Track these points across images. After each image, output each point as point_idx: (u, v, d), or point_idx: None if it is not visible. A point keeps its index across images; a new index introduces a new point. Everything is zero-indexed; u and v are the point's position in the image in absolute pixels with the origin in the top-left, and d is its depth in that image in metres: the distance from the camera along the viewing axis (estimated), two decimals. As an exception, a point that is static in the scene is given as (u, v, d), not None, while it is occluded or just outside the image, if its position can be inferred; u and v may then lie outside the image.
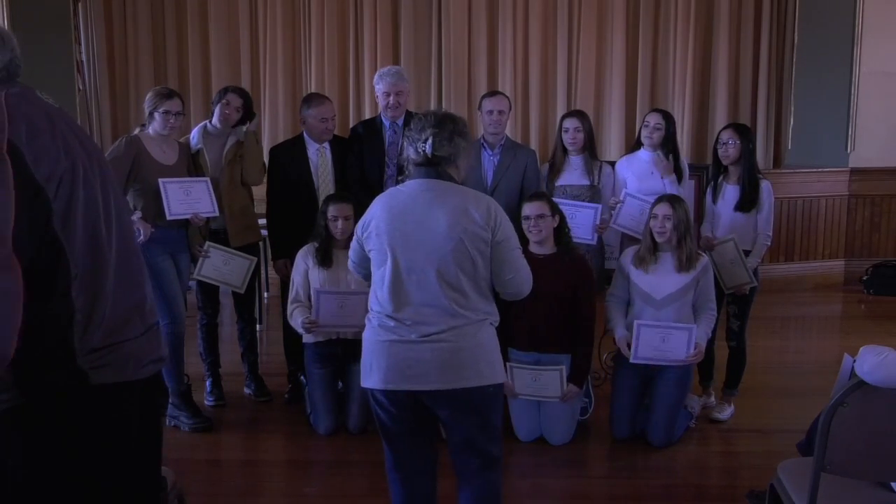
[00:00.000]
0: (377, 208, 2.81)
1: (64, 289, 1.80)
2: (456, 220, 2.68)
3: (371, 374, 2.76)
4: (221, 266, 4.53)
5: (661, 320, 4.08)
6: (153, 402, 2.13)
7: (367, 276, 2.88)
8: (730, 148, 4.43)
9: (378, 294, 2.76)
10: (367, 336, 2.80)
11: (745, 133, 4.52)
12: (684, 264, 4.12)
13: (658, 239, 4.15)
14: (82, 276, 1.85)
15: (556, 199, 4.31)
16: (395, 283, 2.69)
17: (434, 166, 2.76)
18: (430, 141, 2.74)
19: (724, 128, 4.64)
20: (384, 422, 2.81)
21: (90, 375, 1.87)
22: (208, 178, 4.41)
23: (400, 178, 2.93)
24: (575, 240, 4.28)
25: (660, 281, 4.15)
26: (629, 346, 4.10)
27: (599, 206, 4.46)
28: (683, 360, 4.04)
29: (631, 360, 4.10)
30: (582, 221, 4.39)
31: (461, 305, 2.68)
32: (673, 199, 4.15)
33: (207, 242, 4.48)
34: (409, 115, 4.78)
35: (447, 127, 2.78)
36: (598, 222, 4.42)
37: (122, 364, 1.93)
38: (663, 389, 4.16)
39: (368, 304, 2.84)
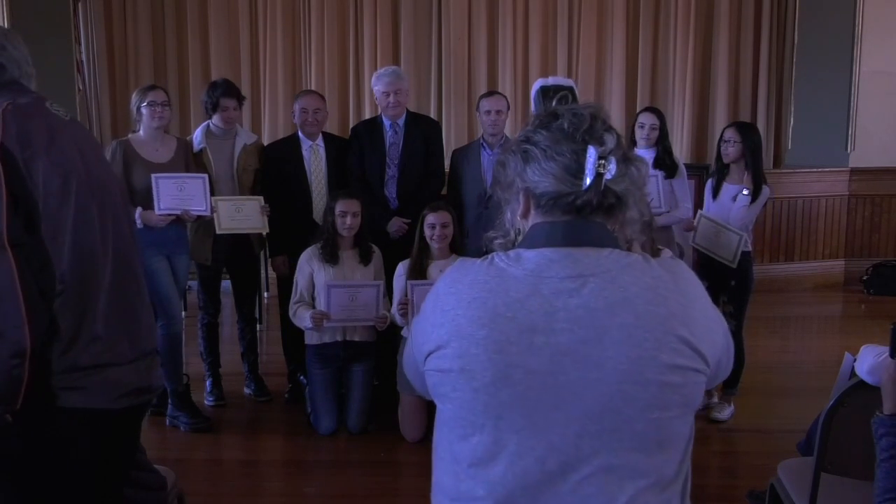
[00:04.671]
0: (477, 323, 1.36)
1: (47, 301, 1.73)
2: (648, 345, 1.38)
3: None
4: (235, 214, 4.47)
5: None
6: (129, 436, 2.02)
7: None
8: (730, 147, 4.44)
9: (470, 477, 1.41)
10: None
11: (747, 132, 4.52)
12: None
13: None
14: (68, 293, 1.80)
15: None
16: (521, 476, 1.39)
17: (600, 214, 1.42)
18: (609, 158, 1.39)
19: (729, 126, 4.64)
20: None
21: (59, 396, 1.78)
22: (206, 175, 4.36)
23: (501, 240, 1.50)
24: None
25: None
26: None
27: None
28: None
29: None
30: None
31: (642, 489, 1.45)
32: None
33: (212, 198, 4.37)
34: (410, 116, 4.78)
35: (614, 135, 1.43)
36: None
37: (99, 389, 1.85)
38: None
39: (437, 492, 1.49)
